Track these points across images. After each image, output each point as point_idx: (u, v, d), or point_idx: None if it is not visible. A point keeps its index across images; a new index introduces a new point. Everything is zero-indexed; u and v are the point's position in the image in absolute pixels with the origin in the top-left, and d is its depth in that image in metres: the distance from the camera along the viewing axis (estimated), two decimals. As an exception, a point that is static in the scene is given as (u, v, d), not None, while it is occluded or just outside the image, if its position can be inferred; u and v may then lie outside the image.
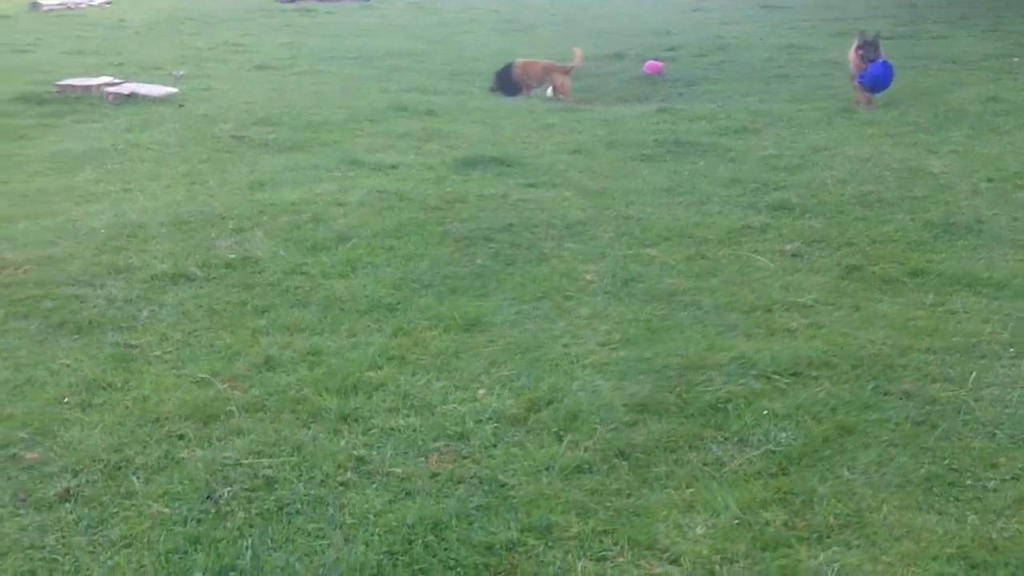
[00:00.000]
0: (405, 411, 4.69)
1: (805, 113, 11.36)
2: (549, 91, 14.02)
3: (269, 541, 3.73)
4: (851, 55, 11.85)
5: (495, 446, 4.39)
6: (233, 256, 6.65)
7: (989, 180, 8.24)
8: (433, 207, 7.83)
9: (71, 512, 3.85)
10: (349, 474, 4.16)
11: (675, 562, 3.64)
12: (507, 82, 14.06)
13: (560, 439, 4.44)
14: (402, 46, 18.88)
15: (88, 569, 3.53)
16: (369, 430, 4.52)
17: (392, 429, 4.52)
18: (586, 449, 4.35)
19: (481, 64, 16.13)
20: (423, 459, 4.29)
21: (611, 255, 6.72)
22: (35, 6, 22.12)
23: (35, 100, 12.81)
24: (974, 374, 4.95)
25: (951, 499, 3.97)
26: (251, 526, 3.81)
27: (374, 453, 4.32)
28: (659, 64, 15.42)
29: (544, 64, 14.27)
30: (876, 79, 11.64)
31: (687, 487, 4.08)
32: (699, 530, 3.80)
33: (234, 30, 21.53)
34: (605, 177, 8.74)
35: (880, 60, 11.57)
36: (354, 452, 4.32)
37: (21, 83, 13.89)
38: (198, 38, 20.21)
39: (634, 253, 6.76)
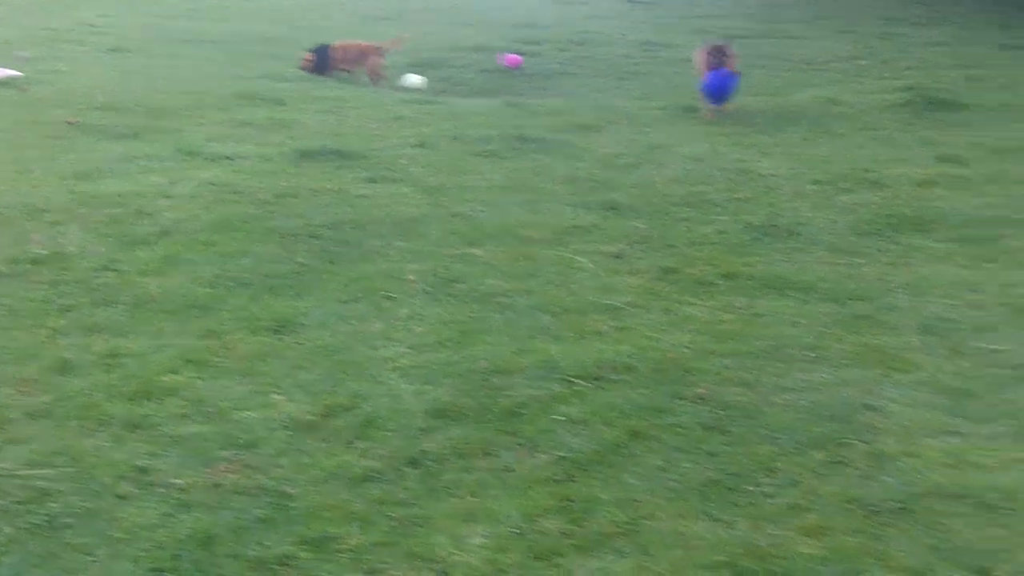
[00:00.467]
0: (197, 418, 4.59)
1: (649, 111, 11.50)
2: (410, 80, 13.96)
3: (33, 557, 3.62)
4: (698, 56, 11.62)
5: (284, 454, 4.33)
6: (43, 251, 6.43)
7: (815, 182, 8.43)
8: (264, 201, 7.70)
9: None
10: (128, 485, 4.06)
11: (445, 574, 3.63)
12: (322, 63, 14.04)
13: (352, 447, 4.40)
14: (264, 31, 18.56)
15: None
16: (156, 438, 4.41)
17: (180, 437, 4.42)
18: (377, 457, 4.32)
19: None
20: (208, 469, 4.20)
21: (437, 254, 6.69)
22: None
23: None
24: (771, 378, 5.06)
25: (727, 505, 4.05)
26: (16, 542, 3.69)
27: (158, 463, 4.22)
28: (518, 58, 15.45)
29: (362, 46, 14.27)
30: (711, 90, 11.08)
31: (472, 495, 4.08)
32: (476, 540, 3.80)
33: (93, 9, 20.87)
34: (445, 173, 8.70)
35: (722, 70, 11.03)
36: (136, 462, 4.21)
37: None
38: (54, 18, 19.54)
39: (460, 253, 6.74)
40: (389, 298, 5.99)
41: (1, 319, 5.48)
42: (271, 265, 6.43)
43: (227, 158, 8.95)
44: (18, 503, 3.90)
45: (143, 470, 4.17)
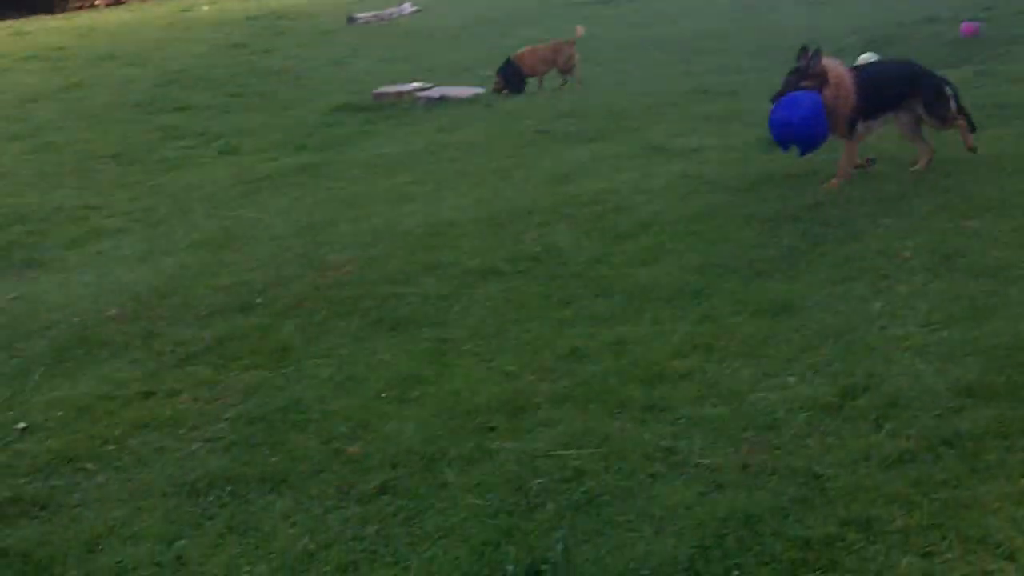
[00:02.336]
0: (712, 400, 4.58)
1: None
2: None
3: (579, 533, 3.72)
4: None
5: (808, 436, 4.20)
6: (538, 249, 6.74)
7: None
8: (737, 189, 7.65)
9: (389, 504, 3.99)
10: (657, 465, 4.11)
11: (1010, 558, 3.35)
12: (515, 78, 13.71)
13: (879, 427, 4.20)
14: (703, 27, 18.59)
15: (406, 561, 3.64)
16: (676, 420, 4.45)
17: (700, 419, 4.42)
18: (908, 438, 4.09)
19: (788, 39, 15.61)
20: (733, 450, 4.17)
21: (929, 229, 6.32)
22: (351, 20, 23.33)
23: (354, 108, 13.51)
24: None
25: None
26: (561, 518, 3.82)
27: (682, 444, 4.25)
28: (975, 25, 14.41)
29: (551, 45, 14.04)
30: (775, 128, 7.53)
31: (1022, 477, 3.76)
32: (1038, 524, 3.49)
33: (536, 28, 21.88)
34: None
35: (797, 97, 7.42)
36: (662, 443, 4.25)
37: (342, 94, 14.69)
38: (504, 39, 20.69)
39: (954, 226, 6.33)
40: (884, 276, 5.73)
41: (512, 312, 5.77)
42: (755, 250, 6.35)
43: (693, 151, 9.00)
44: (558, 482, 4.05)
45: (670, 450, 4.20)
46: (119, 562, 3.73)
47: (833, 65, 7.57)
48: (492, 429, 4.51)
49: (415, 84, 14.21)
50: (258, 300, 6.21)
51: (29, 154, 12.24)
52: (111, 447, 4.62)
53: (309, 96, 14.97)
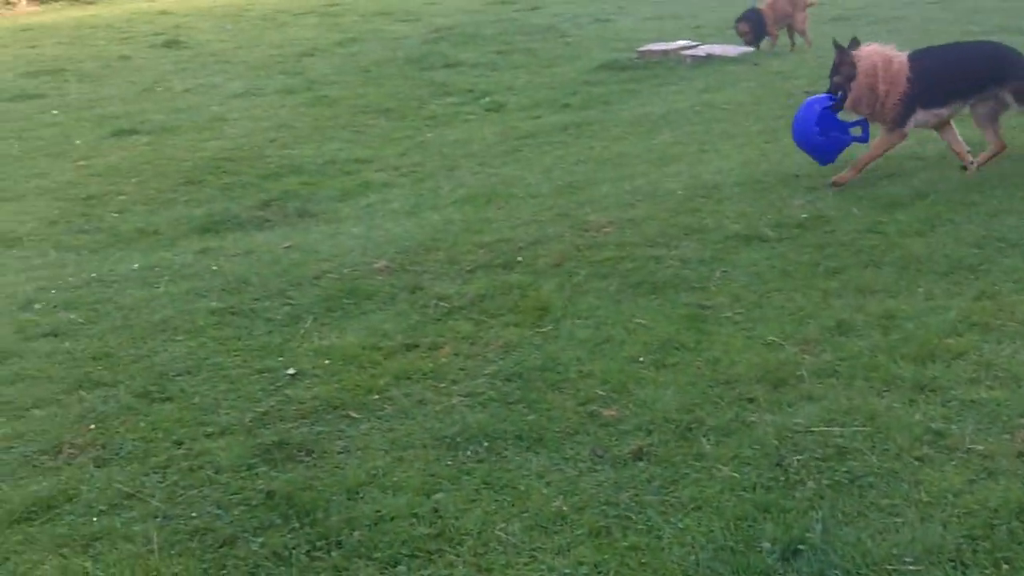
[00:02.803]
0: (988, 383, 4.31)
1: None
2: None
3: (840, 515, 3.58)
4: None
5: (1097, 426, 3.89)
6: (805, 216, 6.50)
7: None
8: (1020, 158, 7.15)
9: (644, 471, 3.95)
10: (925, 448, 3.89)
11: None
12: (759, 28, 12.86)
13: None
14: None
15: (659, 529, 3.59)
16: (948, 401, 4.21)
17: (973, 402, 4.17)
18: None
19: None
20: (1008, 436, 3.90)
21: None
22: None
23: (617, 67, 13.45)
24: None
25: None
26: (821, 497, 3.68)
27: (953, 427, 4.01)
28: None
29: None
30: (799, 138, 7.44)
31: None
32: None
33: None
34: None
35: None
36: (931, 425, 4.03)
37: (606, 51, 14.67)
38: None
39: None
40: None
41: (776, 280, 5.59)
42: (1043, 223, 5.92)
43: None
44: (818, 459, 3.90)
45: (939, 433, 3.98)
46: (378, 511, 3.84)
47: (873, 52, 7.00)
48: (751, 400, 4.39)
49: (681, 42, 14.01)
50: (519, 258, 6.27)
51: (305, 107, 12.81)
52: (375, 397, 4.77)
53: (573, 54, 15.02)
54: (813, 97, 7.45)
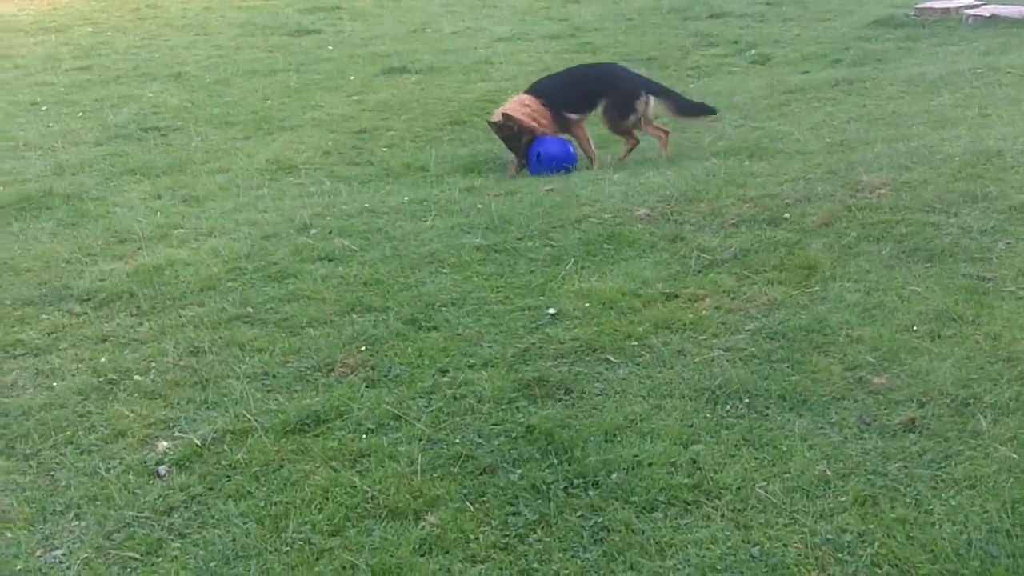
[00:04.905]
0: None
1: None
2: None
3: None
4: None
5: None
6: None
7: None
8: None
9: (915, 443, 3.80)
10: None
11: None
12: None
13: None
14: None
15: (928, 504, 3.45)
16: None
17: None
18: None
19: None
20: None
21: None
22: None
23: (893, 24, 12.89)
24: None
25: None
26: None
27: None
28: None
29: None
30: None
31: None
32: None
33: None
34: None
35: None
36: None
37: (882, 7, 14.07)
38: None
39: None
40: None
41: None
42: None
43: None
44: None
45: None
46: (636, 456, 3.85)
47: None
48: (1034, 380, 4.15)
49: (964, 1, 13.26)
50: (786, 215, 6.10)
51: (569, 53, 12.85)
52: (633, 343, 4.77)
53: (846, 8, 14.49)
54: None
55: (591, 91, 8.26)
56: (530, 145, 8.11)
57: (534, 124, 8.05)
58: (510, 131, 8.08)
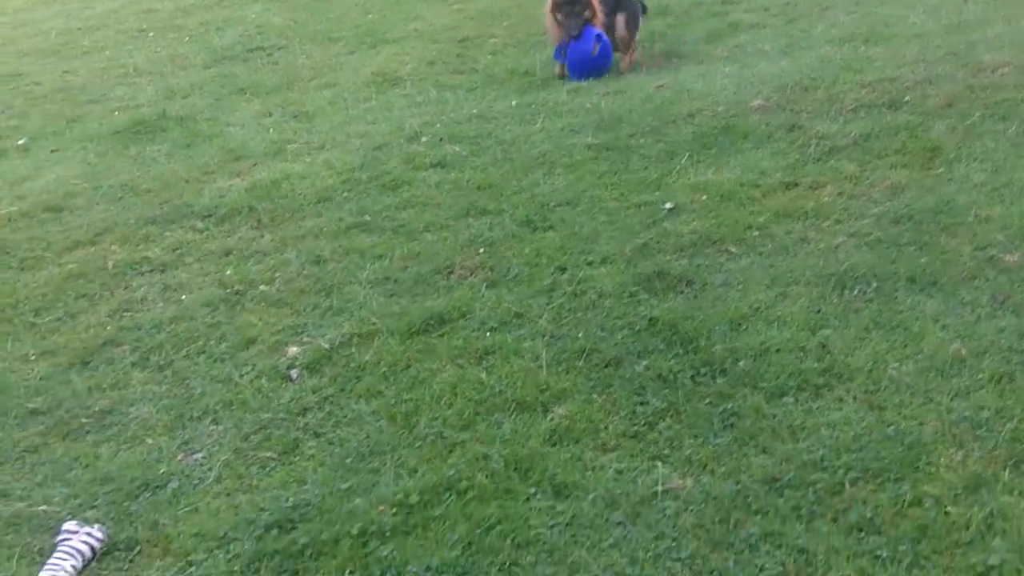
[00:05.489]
0: None
1: None
2: None
3: None
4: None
5: None
6: None
7: None
8: None
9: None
10: None
11: None
12: None
13: None
14: None
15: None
16: None
17: None
18: None
19: None
20: None
21: None
22: None
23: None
24: None
25: None
26: None
27: None
28: None
29: None
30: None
31: None
32: None
33: None
34: None
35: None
36: None
37: None
38: None
39: None
40: None
41: None
42: None
43: None
44: None
45: None
46: (763, 343, 3.82)
47: None
48: None
49: None
50: (906, 98, 5.92)
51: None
52: (754, 233, 4.70)
53: None
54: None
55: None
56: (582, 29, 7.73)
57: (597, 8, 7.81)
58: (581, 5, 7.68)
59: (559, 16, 7.71)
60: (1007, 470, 3.00)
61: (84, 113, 8.61)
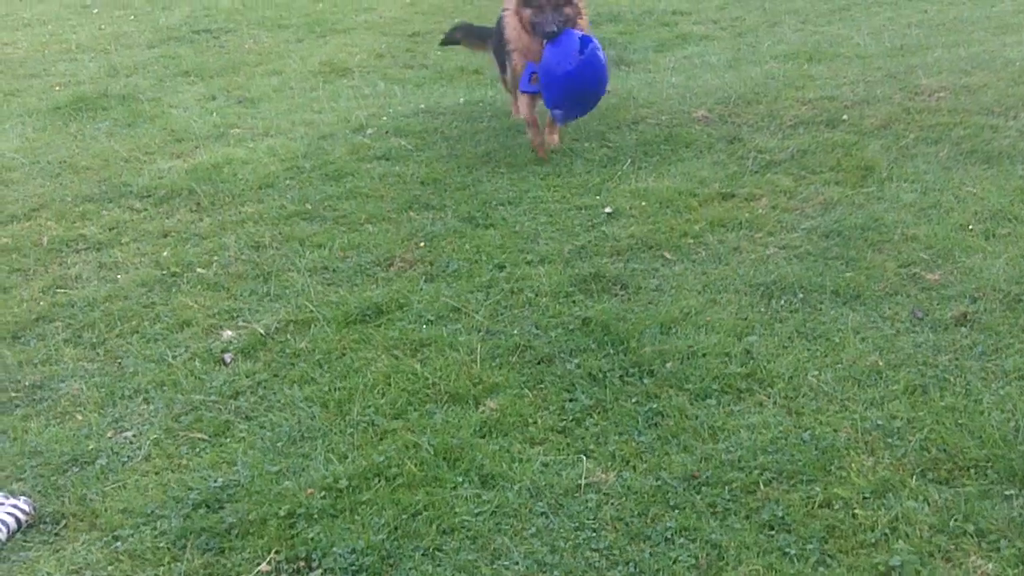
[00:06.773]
0: None
1: None
2: None
3: None
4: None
5: None
6: None
7: None
8: None
9: (966, 336, 3.83)
10: None
11: None
12: None
13: None
14: None
15: (978, 394, 3.49)
16: None
17: None
18: None
19: None
20: None
21: None
22: None
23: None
24: None
25: None
26: None
27: None
28: None
29: None
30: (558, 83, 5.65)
31: None
32: None
33: None
34: None
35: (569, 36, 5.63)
36: None
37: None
38: None
39: None
40: None
41: None
42: None
43: None
44: None
45: None
46: (691, 346, 3.91)
47: None
48: (1090, 279, 4.15)
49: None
50: (844, 116, 6.08)
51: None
52: (690, 240, 4.81)
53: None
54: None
55: None
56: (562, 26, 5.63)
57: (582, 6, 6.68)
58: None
59: (527, 13, 5.76)
60: (914, 477, 3.12)
61: (23, 87, 8.54)
